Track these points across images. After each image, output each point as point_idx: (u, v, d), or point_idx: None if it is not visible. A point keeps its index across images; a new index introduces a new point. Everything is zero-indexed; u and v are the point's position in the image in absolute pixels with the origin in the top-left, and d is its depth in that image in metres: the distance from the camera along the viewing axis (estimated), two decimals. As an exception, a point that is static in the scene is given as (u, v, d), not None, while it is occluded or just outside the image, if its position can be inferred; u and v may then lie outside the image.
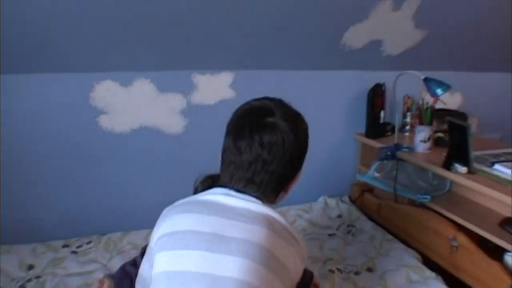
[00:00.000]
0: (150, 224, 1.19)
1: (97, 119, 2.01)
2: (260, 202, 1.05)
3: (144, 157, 2.11)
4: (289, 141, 1.06)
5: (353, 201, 2.32)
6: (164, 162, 2.15)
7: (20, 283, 1.65)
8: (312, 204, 2.25)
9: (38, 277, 1.70)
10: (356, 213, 2.15)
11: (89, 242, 1.92)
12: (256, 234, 0.98)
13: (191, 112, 2.13)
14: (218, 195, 1.06)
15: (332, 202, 2.27)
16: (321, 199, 2.30)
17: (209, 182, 1.20)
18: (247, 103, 1.19)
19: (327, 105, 2.34)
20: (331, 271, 1.71)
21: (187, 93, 2.10)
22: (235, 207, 1.03)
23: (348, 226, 2.07)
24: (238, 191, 1.06)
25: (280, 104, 1.15)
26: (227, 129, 1.14)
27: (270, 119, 1.07)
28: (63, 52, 1.84)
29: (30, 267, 1.76)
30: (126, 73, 2.00)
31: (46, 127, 1.97)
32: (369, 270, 1.72)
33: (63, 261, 1.80)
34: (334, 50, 2.16)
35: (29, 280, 1.68)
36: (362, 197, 2.28)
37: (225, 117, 2.14)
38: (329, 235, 2.00)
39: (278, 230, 1.02)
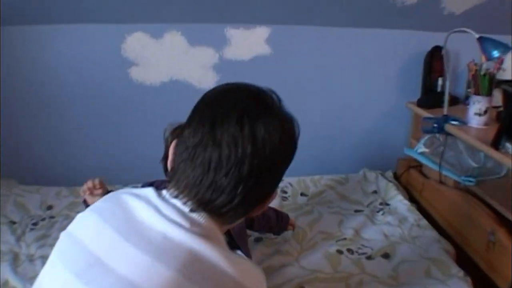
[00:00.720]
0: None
1: (128, 70, 2.00)
2: (188, 224, 0.70)
3: (173, 111, 2.04)
4: (286, 142, 0.75)
5: (397, 177, 2.08)
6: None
7: (34, 221, 1.74)
8: (349, 176, 2.05)
9: (52, 217, 1.78)
10: (394, 191, 1.91)
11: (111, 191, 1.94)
12: (151, 276, 0.66)
13: (223, 67, 2.02)
14: (137, 200, 0.74)
15: (371, 176, 2.05)
16: (361, 172, 2.10)
17: (179, 133, 0.99)
18: (221, 85, 0.82)
19: (376, 69, 2.08)
20: (339, 251, 1.54)
21: (219, 48, 1.99)
22: (146, 226, 0.71)
23: (381, 204, 1.86)
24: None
25: (273, 91, 0.81)
26: (193, 116, 0.77)
27: (267, 109, 0.74)
28: (95, 3, 1.82)
29: (49, 207, 1.84)
30: (157, 25, 1.95)
31: (80, 77, 2.00)
32: (385, 256, 1.52)
33: (79, 206, 1.84)
34: (385, 5, 1.88)
35: (43, 219, 1.76)
36: (407, 174, 2.02)
37: (260, 74, 2.02)
38: (355, 211, 1.81)
39: (198, 276, 0.67)
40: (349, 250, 1.55)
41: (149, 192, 0.75)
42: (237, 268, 0.69)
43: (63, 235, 0.75)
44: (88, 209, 0.77)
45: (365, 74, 2.06)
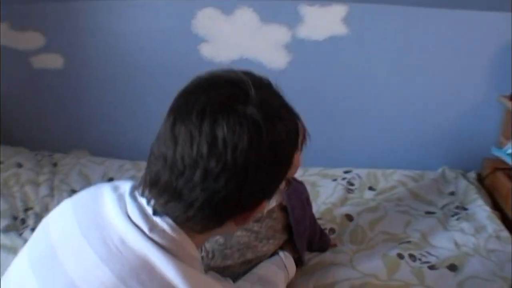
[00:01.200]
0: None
1: (198, 46, 1.96)
2: (147, 228, 0.65)
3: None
4: (258, 147, 0.63)
5: (481, 179, 1.84)
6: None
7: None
8: (425, 173, 1.86)
9: (110, 189, 1.80)
10: (474, 194, 1.69)
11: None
12: (92, 279, 0.62)
13: (296, 47, 1.90)
14: (112, 195, 0.71)
15: (450, 175, 1.84)
16: (439, 170, 1.89)
17: None
18: (209, 71, 0.74)
19: (465, 57, 1.82)
20: (400, 255, 1.39)
21: (292, 26, 1.87)
22: (109, 224, 0.66)
23: (457, 207, 1.66)
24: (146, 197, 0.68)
25: (261, 83, 0.71)
26: (169, 107, 0.71)
27: (239, 105, 0.64)
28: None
29: (110, 179, 1.87)
30: (228, 0, 1.87)
31: (150, 51, 2.00)
32: (451, 268, 1.34)
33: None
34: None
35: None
36: (493, 177, 1.78)
37: (335, 56, 1.88)
38: (427, 212, 1.63)
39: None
40: (411, 256, 1.39)
41: (126, 186, 0.71)
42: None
43: (43, 220, 0.72)
44: (71, 197, 0.73)
45: (452, 62, 1.83)
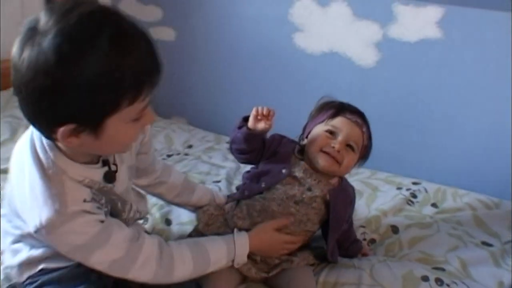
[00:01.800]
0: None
1: (292, 35, 2.01)
2: None
3: (329, 84, 2.00)
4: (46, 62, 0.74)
5: None
6: (347, 93, 1.97)
7: (170, 153, 1.96)
8: (503, 202, 1.65)
9: (186, 154, 1.96)
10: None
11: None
12: None
13: (386, 46, 1.86)
14: None
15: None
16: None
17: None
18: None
19: None
20: (425, 278, 1.28)
21: (384, 24, 1.83)
22: None
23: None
24: None
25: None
26: None
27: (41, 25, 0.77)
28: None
29: (189, 146, 2.03)
30: (326, -8, 1.90)
31: (248, 36, 2.13)
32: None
33: (215, 152, 2.00)
34: None
35: (178, 153, 1.96)
36: None
37: (426, 59, 1.80)
38: (483, 243, 1.45)
39: None
40: (438, 280, 1.28)
41: None
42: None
43: None
44: None
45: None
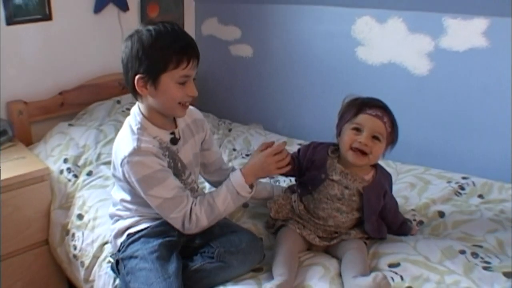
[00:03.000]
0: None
1: (355, 49, 2.27)
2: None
3: (388, 91, 2.15)
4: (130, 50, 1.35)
5: None
6: (404, 100, 2.19)
7: (249, 152, 2.26)
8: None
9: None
10: None
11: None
12: None
13: (437, 56, 2.06)
14: None
15: None
16: None
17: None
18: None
19: None
20: (462, 251, 1.48)
21: (435, 36, 2.04)
22: None
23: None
24: None
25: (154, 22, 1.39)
26: None
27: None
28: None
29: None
30: (382, 10, 2.16)
31: (315, 51, 2.41)
32: (507, 274, 1.38)
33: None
34: None
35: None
36: None
37: (473, 67, 2.02)
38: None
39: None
40: (473, 254, 1.48)
41: None
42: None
43: None
44: None
45: None
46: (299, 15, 2.40)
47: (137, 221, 1.49)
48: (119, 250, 1.48)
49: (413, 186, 1.94)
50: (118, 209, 1.55)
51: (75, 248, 1.79)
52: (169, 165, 1.44)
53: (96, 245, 1.71)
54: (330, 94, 2.41)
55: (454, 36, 1.99)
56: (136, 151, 1.36)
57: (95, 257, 1.69)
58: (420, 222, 1.73)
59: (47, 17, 2.25)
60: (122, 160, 1.38)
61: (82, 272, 1.74)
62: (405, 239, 1.58)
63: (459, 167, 2.03)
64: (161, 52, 1.32)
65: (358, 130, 1.47)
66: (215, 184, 1.68)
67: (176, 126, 1.51)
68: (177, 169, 1.48)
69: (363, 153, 1.46)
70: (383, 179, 1.57)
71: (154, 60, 1.33)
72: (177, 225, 1.41)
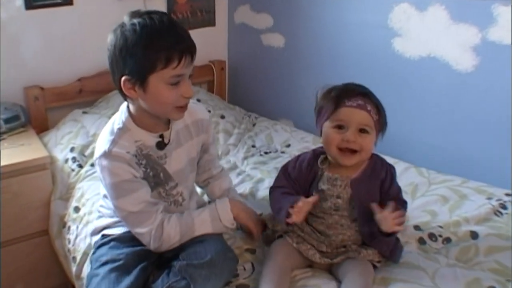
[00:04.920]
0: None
1: (392, 40, 2.02)
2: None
3: (427, 88, 1.97)
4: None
5: None
6: (443, 99, 1.93)
7: (268, 150, 2.13)
8: None
9: (282, 152, 2.13)
10: None
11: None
12: None
13: (485, 50, 1.76)
14: None
15: None
16: None
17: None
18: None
19: None
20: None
21: (483, 27, 1.74)
22: None
23: None
24: None
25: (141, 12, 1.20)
26: None
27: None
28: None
29: (288, 145, 2.18)
30: (423, -3, 1.88)
31: (346, 42, 2.19)
32: None
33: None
34: None
35: (276, 151, 2.14)
36: None
37: None
38: None
39: None
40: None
41: None
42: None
43: None
44: None
45: None
46: (332, 2, 2.18)
47: (115, 223, 1.37)
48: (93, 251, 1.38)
49: (446, 200, 1.67)
50: (102, 205, 1.44)
51: (69, 242, 1.71)
52: (146, 175, 1.30)
53: (88, 240, 1.60)
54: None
55: (505, 27, 1.68)
56: (106, 155, 1.23)
57: (86, 254, 1.58)
58: (447, 240, 1.48)
59: (68, 1, 2.18)
60: (95, 161, 1.28)
61: (74, 268, 1.64)
62: (424, 265, 1.35)
63: (503, 181, 1.73)
64: (147, 50, 1.14)
65: (340, 127, 1.28)
66: (201, 184, 1.61)
67: (167, 129, 1.34)
68: (159, 179, 1.33)
69: (353, 151, 1.27)
70: (378, 168, 1.34)
71: (139, 59, 1.15)
72: (143, 241, 1.28)
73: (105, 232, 1.36)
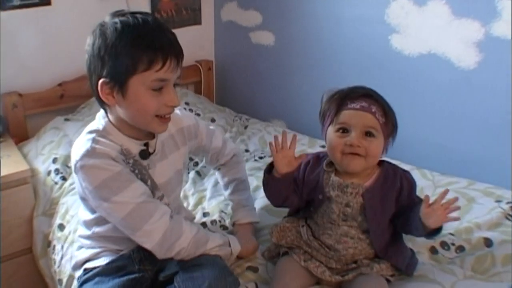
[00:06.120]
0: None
1: (389, 37, 1.94)
2: None
3: (427, 87, 1.89)
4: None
5: None
6: (445, 97, 1.85)
7: (262, 155, 2.00)
8: None
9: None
10: None
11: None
12: None
13: (489, 46, 1.69)
14: None
15: None
16: None
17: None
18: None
19: None
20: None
21: (486, 22, 1.67)
22: None
23: None
24: None
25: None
26: None
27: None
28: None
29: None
30: (422, -10, 1.80)
31: (341, 39, 2.10)
32: None
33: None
34: None
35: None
36: None
37: None
38: None
39: None
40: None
41: None
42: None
43: None
44: None
45: None
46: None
47: (96, 254, 1.24)
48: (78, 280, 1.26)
49: (454, 204, 1.60)
50: (81, 235, 1.31)
51: (54, 263, 1.59)
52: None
53: (73, 262, 1.49)
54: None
55: (510, 21, 1.61)
56: (89, 153, 1.10)
57: (72, 276, 1.46)
58: (461, 248, 1.40)
59: (46, 1, 2.05)
60: (75, 166, 1.12)
61: (60, 292, 1.53)
62: (440, 279, 1.26)
63: (509, 181, 1.67)
64: (128, 49, 1.04)
65: (344, 130, 1.19)
66: (214, 169, 1.64)
67: (153, 137, 1.22)
68: (146, 185, 1.20)
69: (358, 156, 1.18)
70: (390, 177, 1.24)
71: (119, 59, 1.05)
72: (153, 241, 1.13)
73: (88, 265, 1.24)
